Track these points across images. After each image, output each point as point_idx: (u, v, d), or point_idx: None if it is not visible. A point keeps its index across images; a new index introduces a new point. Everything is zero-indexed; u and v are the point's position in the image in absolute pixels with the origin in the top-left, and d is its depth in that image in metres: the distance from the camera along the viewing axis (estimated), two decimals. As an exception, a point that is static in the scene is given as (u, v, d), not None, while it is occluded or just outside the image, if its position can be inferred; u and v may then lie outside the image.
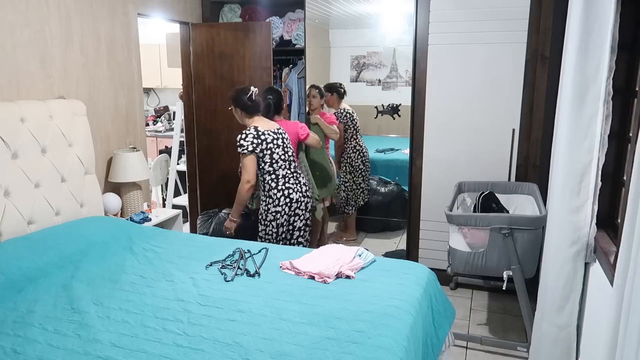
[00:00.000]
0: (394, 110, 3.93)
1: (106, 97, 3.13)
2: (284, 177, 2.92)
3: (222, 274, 2.16)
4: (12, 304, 1.87)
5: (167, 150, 5.24)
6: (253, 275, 2.16)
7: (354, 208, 4.23)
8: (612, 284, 1.64)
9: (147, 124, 6.07)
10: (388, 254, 3.86)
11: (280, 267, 2.24)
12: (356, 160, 4.14)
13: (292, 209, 2.94)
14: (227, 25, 3.95)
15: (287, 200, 2.92)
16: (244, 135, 2.83)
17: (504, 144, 3.26)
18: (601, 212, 2.17)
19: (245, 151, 2.81)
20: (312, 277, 2.13)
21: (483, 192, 2.86)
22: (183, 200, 4.74)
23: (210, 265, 2.26)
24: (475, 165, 3.34)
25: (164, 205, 4.87)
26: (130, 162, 3.09)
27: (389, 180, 4.44)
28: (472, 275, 3.49)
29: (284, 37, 4.08)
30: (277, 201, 2.91)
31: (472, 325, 3.06)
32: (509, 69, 3.17)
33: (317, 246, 2.92)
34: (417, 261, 3.20)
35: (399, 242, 4.24)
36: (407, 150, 3.52)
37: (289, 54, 4.21)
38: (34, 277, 2.04)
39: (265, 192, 2.94)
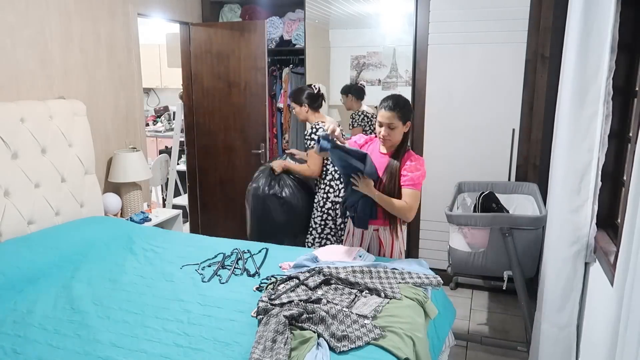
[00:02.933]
0: (394, 110, 3.93)
1: (106, 97, 3.13)
2: None
3: (217, 276, 2.16)
4: (12, 304, 1.86)
5: (167, 150, 5.25)
6: (253, 276, 2.16)
7: None
8: (612, 284, 1.64)
9: (147, 124, 6.07)
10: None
11: (280, 267, 2.24)
12: None
13: None
14: (224, 25, 3.96)
15: None
16: (314, 130, 2.87)
17: (504, 144, 3.26)
18: (601, 212, 2.16)
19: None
20: (312, 277, 2.12)
21: (483, 192, 2.86)
22: (183, 200, 4.74)
23: (204, 265, 2.25)
24: (475, 165, 3.34)
25: (164, 205, 4.87)
26: (130, 162, 3.09)
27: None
28: (472, 275, 3.49)
29: (284, 37, 4.08)
30: (337, 192, 2.89)
31: (472, 325, 3.06)
32: (509, 69, 3.17)
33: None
34: (417, 261, 3.20)
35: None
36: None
37: (289, 54, 4.21)
38: (34, 277, 2.04)
39: (327, 182, 2.92)
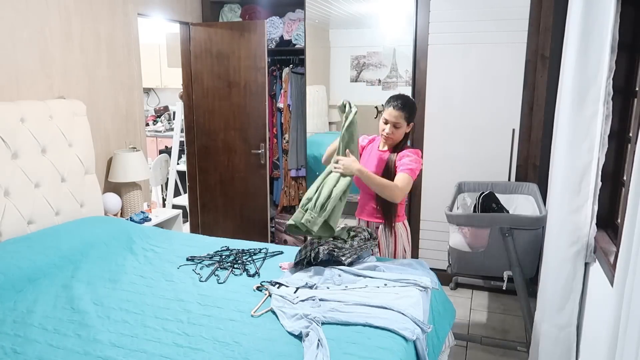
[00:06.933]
0: (394, 110, 3.93)
1: (106, 97, 3.13)
2: None
3: (215, 275, 2.16)
4: (12, 304, 1.86)
5: (167, 150, 5.25)
6: (253, 276, 2.16)
7: None
8: (612, 284, 1.64)
9: (147, 124, 6.07)
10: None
11: (280, 267, 2.24)
12: None
13: None
14: (224, 25, 3.96)
15: None
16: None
17: (504, 144, 3.26)
18: (601, 212, 2.17)
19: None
20: (312, 277, 2.12)
21: (483, 192, 2.86)
22: (183, 200, 4.74)
23: (202, 266, 2.25)
24: (475, 165, 3.34)
25: (164, 205, 4.87)
26: (130, 162, 3.09)
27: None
28: (472, 275, 3.49)
29: (284, 37, 4.08)
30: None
31: (472, 325, 3.06)
32: (509, 69, 3.17)
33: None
34: (417, 261, 3.20)
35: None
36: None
37: (289, 54, 4.21)
38: (34, 277, 2.04)
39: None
